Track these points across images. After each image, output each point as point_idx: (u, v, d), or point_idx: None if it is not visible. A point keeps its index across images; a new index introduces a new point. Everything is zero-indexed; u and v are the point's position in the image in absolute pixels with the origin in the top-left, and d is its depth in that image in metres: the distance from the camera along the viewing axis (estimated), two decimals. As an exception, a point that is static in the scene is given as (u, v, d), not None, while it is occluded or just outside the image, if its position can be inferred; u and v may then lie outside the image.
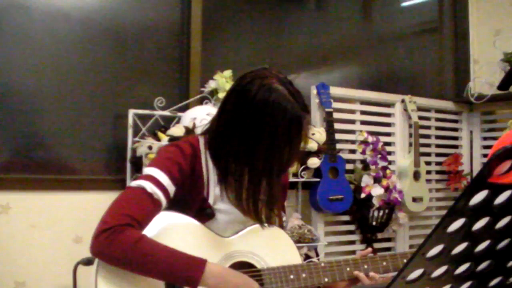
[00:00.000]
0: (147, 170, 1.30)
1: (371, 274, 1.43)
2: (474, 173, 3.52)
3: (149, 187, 1.25)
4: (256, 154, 1.28)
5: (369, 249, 1.50)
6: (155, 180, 1.26)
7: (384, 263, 1.46)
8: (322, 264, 1.40)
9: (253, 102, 1.26)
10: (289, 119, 1.26)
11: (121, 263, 1.19)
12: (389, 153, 3.16)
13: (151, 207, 1.25)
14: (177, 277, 1.19)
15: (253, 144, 1.28)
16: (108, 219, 1.19)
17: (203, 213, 1.35)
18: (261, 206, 1.35)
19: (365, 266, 1.43)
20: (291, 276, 1.34)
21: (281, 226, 1.51)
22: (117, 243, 1.16)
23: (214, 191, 1.36)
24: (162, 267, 1.18)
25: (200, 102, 2.69)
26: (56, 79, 2.47)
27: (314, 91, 2.89)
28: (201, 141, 1.38)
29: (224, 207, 1.36)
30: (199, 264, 1.20)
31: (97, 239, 1.17)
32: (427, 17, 3.78)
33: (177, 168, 1.30)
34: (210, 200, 1.35)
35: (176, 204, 1.33)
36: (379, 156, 2.98)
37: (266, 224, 1.38)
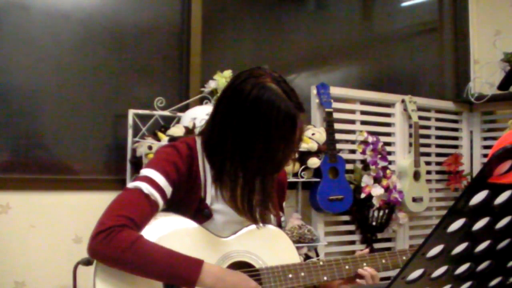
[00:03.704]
0: (144, 171, 1.30)
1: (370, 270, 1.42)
2: (474, 173, 3.52)
3: (146, 188, 1.25)
4: (250, 153, 1.28)
5: (367, 250, 1.50)
6: (152, 181, 1.26)
7: (383, 261, 1.46)
8: (321, 263, 1.39)
9: (246, 101, 1.26)
10: (282, 118, 1.26)
11: (118, 264, 1.18)
12: (389, 153, 3.16)
13: (148, 208, 1.25)
14: (174, 277, 1.19)
15: (247, 143, 1.28)
16: (105, 220, 1.19)
17: (200, 213, 1.34)
18: (255, 206, 1.35)
19: (364, 264, 1.43)
20: (290, 275, 1.34)
21: (280, 226, 1.51)
22: (114, 244, 1.16)
23: (211, 191, 1.35)
24: (159, 267, 1.18)
25: (200, 102, 2.69)
26: (56, 79, 2.47)
27: (314, 91, 2.89)
28: (198, 141, 1.38)
29: (221, 208, 1.36)
30: (196, 264, 1.19)
31: (94, 240, 1.17)
32: (427, 17, 3.78)
33: (174, 169, 1.30)
34: (208, 201, 1.35)
35: (174, 205, 1.33)
36: (379, 156, 2.98)
37: (261, 224, 1.37)
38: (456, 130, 3.58)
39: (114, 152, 2.59)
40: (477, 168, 3.54)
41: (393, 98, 3.23)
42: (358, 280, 1.42)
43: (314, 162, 2.70)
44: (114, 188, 2.24)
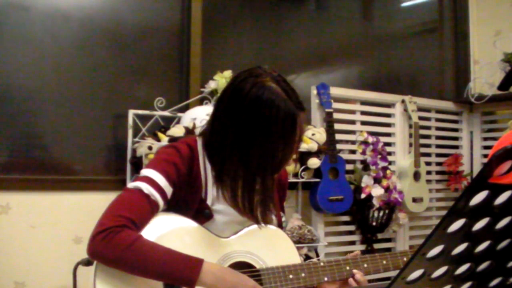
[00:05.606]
0: (144, 172, 1.30)
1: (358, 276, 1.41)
2: (474, 174, 3.52)
3: (146, 188, 1.25)
4: (250, 152, 1.28)
5: (357, 251, 1.49)
6: (152, 181, 1.26)
7: (384, 262, 1.45)
8: (322, 264, 1.39)
9: (246, 100, 1.26)
10: (282, 117, 1.25)
11: (118, 264, 1.18)
12: (389, 153, 3.16)
13: (147, 208, 1.25)
14: (174, 277, 1.19)
15: (247, 143, 1.27)
16: (105, 221, 1.19)
17: (201, 214, 1.34)
18: (256, 205, 1.35)
19: (365, 265, 1.43)
20: (290, 276, 1.34)
21: (280, 226, 1.51)
22: (113, 244, 1.16)
23: (212, 192, 1.35)
24: (158, 267, 1.17)
25: (200, 102, 2.69)
26: (56, 79, 2.47)
27: (314, 91, 2.89)
28: (199, 142, 1.38)
29: (222, 208, 1.36)
30: (196, 263, 1.19)
31: (93, 241, 1.17)
32: (427, 17, 3.78)
33: (174, 169, 1.30)
34: (208, 201, 1.35)
35: (175, 205, 1.33)
36: (379, 156, 2.98)
37: (262, 224, 1.37)
38: (456, 130, 3.57)
39: (114, 152, 2.59)
40: (477, 169, 3.54)
41: (393, 99, 3.23)
42: (350, 281, 1.40)
43: (314, 162, 2.70)
44: (114, 188, 2.24)
